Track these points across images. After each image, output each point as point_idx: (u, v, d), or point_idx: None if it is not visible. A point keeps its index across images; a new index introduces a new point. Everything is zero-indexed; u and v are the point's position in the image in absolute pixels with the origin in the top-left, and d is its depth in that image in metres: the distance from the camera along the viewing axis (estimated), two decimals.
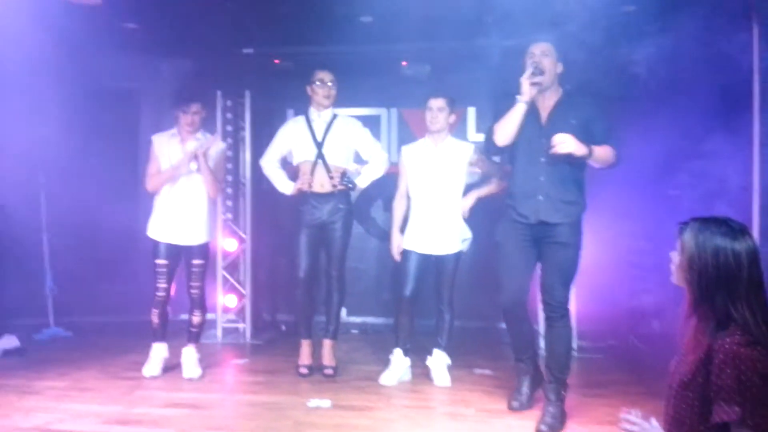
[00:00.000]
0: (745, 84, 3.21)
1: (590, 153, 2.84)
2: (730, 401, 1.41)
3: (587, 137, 2.89)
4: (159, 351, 3.70)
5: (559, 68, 3.01)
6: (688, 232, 1.60)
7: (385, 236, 5.21)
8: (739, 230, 1.56)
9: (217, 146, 3.80)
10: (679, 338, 1.64)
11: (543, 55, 2.97)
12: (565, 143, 2.79)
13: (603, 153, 2.91)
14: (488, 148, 3.17)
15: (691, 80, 3.67)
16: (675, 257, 1.66)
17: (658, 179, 4.21)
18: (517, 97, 2.95)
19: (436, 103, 3.62)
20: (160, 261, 3.60)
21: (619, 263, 4.67)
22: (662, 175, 4.17)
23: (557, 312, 2.98)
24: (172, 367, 3.80)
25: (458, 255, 3.67)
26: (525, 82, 2.91)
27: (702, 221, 1.60)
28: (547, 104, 3.03)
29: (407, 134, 5.12)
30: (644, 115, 4.21)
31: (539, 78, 2.91)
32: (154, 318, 3.64)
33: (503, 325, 4.87)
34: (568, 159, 2.86)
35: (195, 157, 3.58)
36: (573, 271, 3.00)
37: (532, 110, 3.00)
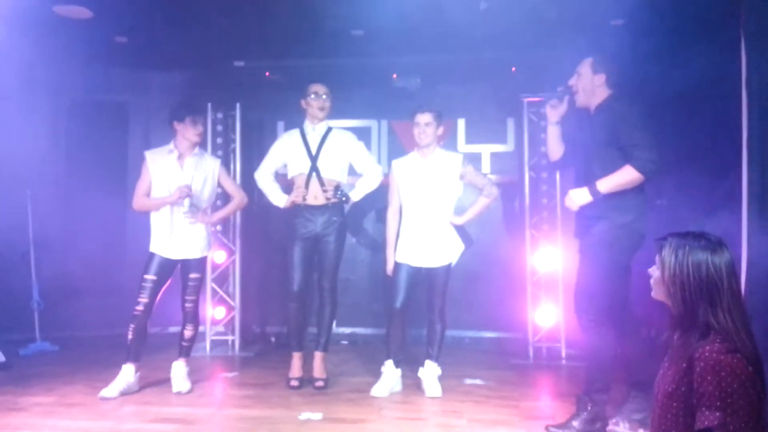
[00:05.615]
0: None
1: (598, 193, 2.85)
2: (712, 407, 1.46)
3: (618, 151, 2.85)
4: (126, 373, 3.57)
5: (599, 80, 3.00)
6: (667, 248, 1.64)
7: (377, 247, 5.23)
8: (717, 243, 1.61)
9: (214, 164, 3.80)
10: (663, 351, 1.67)
11: (577, 76, 3.07)
12: (572, 201, 2.95)
13: (616, 182, 2.82)
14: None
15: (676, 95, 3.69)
16: (655, 273, 1.69)
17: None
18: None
19: (423, 118, 3.63)
20: (148, 276, 3.54)
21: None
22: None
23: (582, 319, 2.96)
24: (161, 381, 3.77)
25: (449, 266, 3.69)
26: (547, 108, 3.25)
27: (680, 236, 1.64)
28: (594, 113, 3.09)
29: (397, 146, 5.15)
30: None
31: (555, 102, 3.19)
32: (130, 334, 3.55)
33: (492, 335, 5.03)
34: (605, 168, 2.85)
35: (188, 195, 3.55)
36: (591, 284, 2.89)
37: (586, 121, 3.08)
